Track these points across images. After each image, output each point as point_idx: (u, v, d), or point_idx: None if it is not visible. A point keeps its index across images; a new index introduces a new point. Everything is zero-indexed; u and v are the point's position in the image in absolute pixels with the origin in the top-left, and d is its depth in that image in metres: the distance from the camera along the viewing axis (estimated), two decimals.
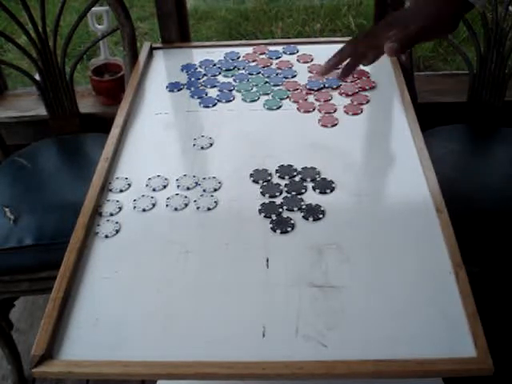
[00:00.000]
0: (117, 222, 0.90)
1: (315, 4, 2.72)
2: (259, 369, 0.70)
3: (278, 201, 0.92)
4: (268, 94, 1.17)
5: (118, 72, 1.56)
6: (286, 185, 0.95)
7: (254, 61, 1.28)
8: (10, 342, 1.33)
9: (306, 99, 1.15)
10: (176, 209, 0.92)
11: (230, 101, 1.17)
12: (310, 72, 1.24)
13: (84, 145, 1.43)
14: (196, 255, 0.84)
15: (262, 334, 0.73)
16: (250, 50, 1.32)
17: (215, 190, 0.95)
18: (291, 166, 0.99)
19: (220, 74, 1.25)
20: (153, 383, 0.93)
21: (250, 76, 1.23)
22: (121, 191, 0.96)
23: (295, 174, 0.97)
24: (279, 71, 1.24)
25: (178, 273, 0.82)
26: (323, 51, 1.29)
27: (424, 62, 2.42)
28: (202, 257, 0.84)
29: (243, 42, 1.48)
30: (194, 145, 1.05)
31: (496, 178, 1.22)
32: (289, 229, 0.87)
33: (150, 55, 1.34)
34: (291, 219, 0.89)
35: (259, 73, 1.24)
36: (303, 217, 0.89)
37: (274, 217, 0.89)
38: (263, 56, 1.30)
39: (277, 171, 0.98)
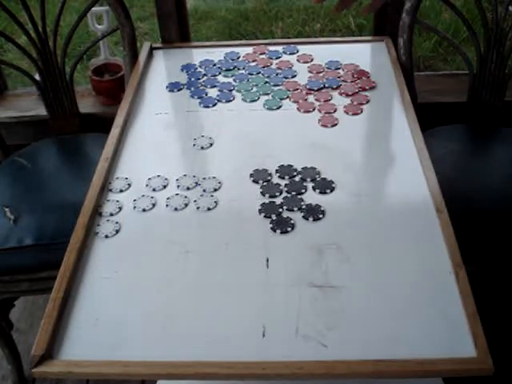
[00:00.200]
0: (117, 222, 0.90)
1: (315, 4, 2.72)
2: (259, 369, 0.70)
3: (278, 201, 0.92)
4: (268, 94, 1.17)
5: (118, 72, 1.56)
6: (285, 185, 0.95)
7: (253, 61, 1.28)
8: (10, 342, 1.33)
9: (306, 99, 1.15)
10: (176, 209, 0.92)
11: (230, 101, 1.17)
12: (309, 72, 1.24)
13: (84, 145, 1.43)
14: (196, 255, 0.84)
15: (262, 333, 0.73)
16: (250, 49, 1.32)
17: (215, 190, 0.95)
18: (291, 166, 0.99)
19: (220, 73, 1.25)
20: (153, 383, 0.94)
21: (249, 76, 1.23)
22: (121, 191, 0.96)
23: (295, 174, 0.97)
24: (279, 71, 1.24)
25: (178, 273, 0.82)
26: (323, 51, 1.31)
27: (424, 61, 2.42)
28: (201, 257, 0.84)
29: (243, 42, 1.48)
30: (194, 145, 1.05)
31: (496, 178, 1.22)
32: (289, 229, 0.87)
33: (150, 55, 1.34)
34: (291, 219, 0.89)
35: (259, 73, 1.24)
36: (303, 217, 0.89)
37: (273, 217, 0.89)
38: (263, 56, 1.30)
39: (277, 171, 0.98)
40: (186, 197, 0.94)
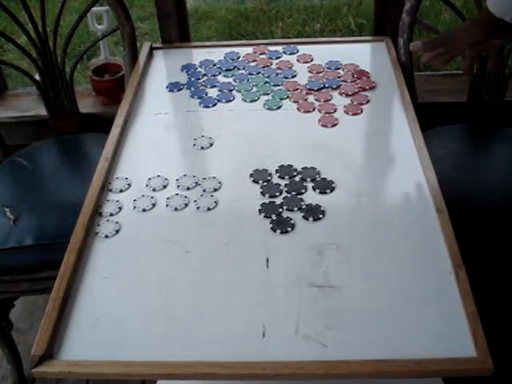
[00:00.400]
0: (117, 222, 0.90)
1: (315, 4, 2.72)
2: (259, 369, 0.70)
3: (278, 201, 0.92)
4: (268, 94, 1.17)
5: (118, 72, 1.56)
6: (285, 185, 0.95)
7: (253, 61, 1.28)
8: (10, 342, 1.33)
9: (306, 99, 1.15)
10: (176, 209, 0.92)
11: (230, 101, 1.17)
12: (309, 72, 1.24)
13: (84, 145, 1.43)
14: (196, 255, 0.84)
15: (262, 333, 0.73)
16: (250, 49, 1.32)
17: (215, 190, 0.95)
18: (291, 166, 0.99)
19: (220, 74, 1.25)
20: (153, 383, 0.93)
21: (250, 76, 1.23)
22: (121, 191, 0.96)
23: (295, 173, 0.97)
24: (279, 71, 1.24)
25: (178, 273, 0.82)
26: (323, 51, 1.31)
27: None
28: (201, 257, 0.84)
29: (243, 42, 1.48)
30: (194, 145, 1.05)
31: (496, 178, 1.22)
32: (289, 229, 0.87)
33: (150, 55, 1.34)
34: (291, 219, 0.89)
35: (259, 73, 1.24)
36: (303, 217, 0.89)
37: (273, 217, 0.89)
38: (263, 56, 1.30)
39: (277, 171, 0.98)
40: (186, 197, 0.94)
